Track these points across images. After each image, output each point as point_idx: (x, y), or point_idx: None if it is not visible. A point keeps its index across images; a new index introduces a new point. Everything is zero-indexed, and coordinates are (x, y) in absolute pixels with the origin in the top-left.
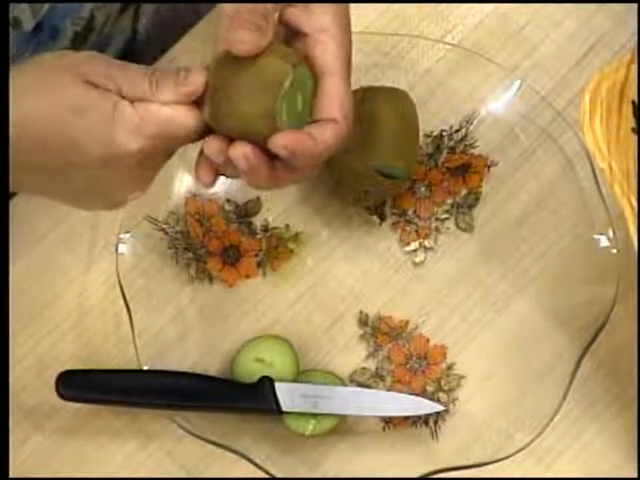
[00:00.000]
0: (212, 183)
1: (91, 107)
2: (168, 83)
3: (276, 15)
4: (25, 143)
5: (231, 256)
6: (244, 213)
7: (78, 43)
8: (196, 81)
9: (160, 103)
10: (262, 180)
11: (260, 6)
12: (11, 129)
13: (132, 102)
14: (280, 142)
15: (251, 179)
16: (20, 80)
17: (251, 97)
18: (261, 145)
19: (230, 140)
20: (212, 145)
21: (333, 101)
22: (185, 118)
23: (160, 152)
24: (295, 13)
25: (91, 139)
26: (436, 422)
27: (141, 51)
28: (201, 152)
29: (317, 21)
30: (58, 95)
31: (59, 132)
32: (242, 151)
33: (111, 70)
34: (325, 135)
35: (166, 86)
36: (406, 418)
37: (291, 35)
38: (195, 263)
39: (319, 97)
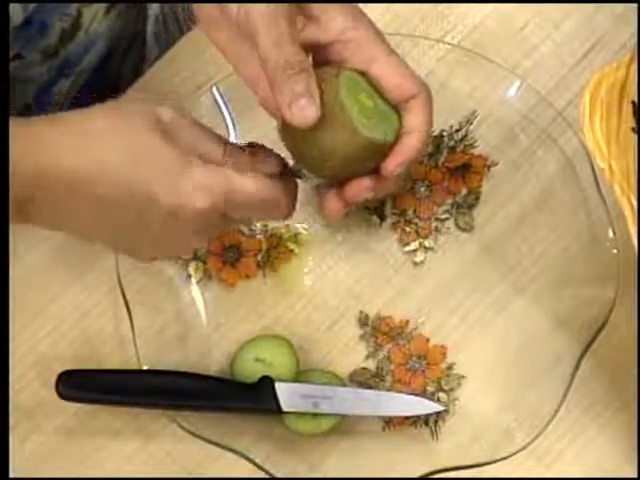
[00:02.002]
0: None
1: (164, 160)
2: (243, 159)
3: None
4: (101, 186)
5: (231, 256)
6: None
7: (66, 40)
8: (277, 165)
9: (232, 170)
10: (389, 188)
11: (295, 57)
12: (90, 170)
13: (205, 163)
14: (392, 167)
15: (380, 192)
16: (93, 126)
17: (325, 122)
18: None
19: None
20: (331, 202)
21: (401, 78)
22: (252, 188)
23: (222, 217)
24: (309, 33)
25: (162, 190)
26: (436, 422)
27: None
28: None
29: (333, 27)
30: (136, 141)
31: (134, 176)
32: (362, 187)
33: (193, 132)
34: (419, 119)
35: (241, 161)
36: (406, 418)
37: (318, 51)
38: (195, 263)
39: (384, 82)
